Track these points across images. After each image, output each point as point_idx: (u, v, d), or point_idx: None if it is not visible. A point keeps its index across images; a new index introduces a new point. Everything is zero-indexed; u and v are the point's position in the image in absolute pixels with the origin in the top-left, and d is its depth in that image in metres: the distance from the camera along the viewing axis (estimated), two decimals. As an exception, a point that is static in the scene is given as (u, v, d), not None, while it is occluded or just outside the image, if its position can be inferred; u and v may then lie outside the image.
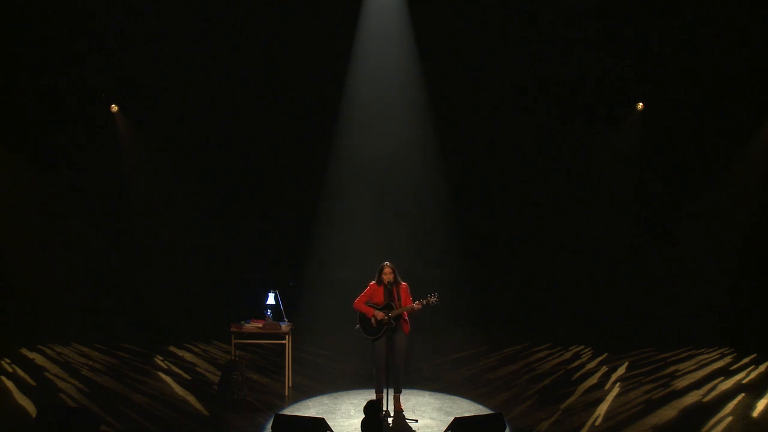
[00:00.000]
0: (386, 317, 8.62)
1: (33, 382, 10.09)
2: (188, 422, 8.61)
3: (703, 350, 11.83)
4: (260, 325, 9.63)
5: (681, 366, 10.98)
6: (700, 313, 12.58)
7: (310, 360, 11.36)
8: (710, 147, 12.72)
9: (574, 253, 13.28)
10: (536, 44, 12.60)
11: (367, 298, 8.79)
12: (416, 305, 8.59)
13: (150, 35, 12.27)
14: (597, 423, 8.60)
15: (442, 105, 13.03)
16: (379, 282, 8.77)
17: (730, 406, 9.18)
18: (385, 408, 8.45)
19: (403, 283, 8.81)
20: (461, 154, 13.33)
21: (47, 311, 12.58)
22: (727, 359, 11.35)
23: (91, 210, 13.03)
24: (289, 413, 8.53)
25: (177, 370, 10.80)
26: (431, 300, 8.55)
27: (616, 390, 9.83)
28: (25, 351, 11.64)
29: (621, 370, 10.74)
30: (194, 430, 8.38)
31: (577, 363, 11.23)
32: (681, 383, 10.12)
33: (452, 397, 9.50)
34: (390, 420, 8.46)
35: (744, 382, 10.21)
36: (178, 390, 9.84)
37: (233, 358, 9.64)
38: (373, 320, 8.69)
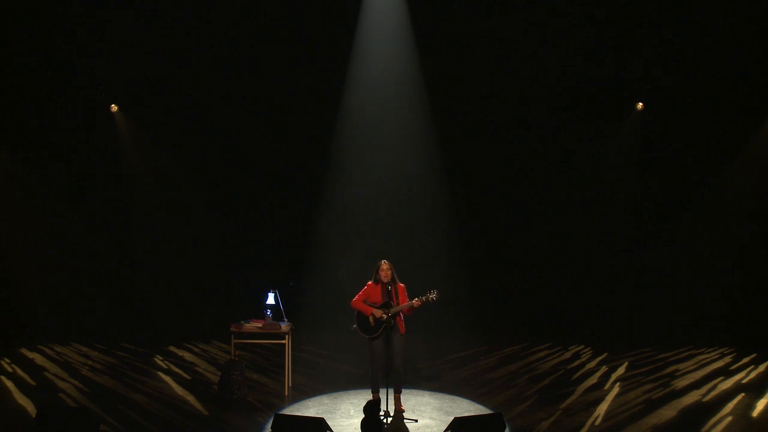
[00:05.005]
0: (385, 315, 8.61)
1: (33, 382, 10.08)
2: (188, 422, 8.61)
3: (703, 350, 11.82)
4: (260, 325, 9.63)
5: (681, 366, 10.98)
6: (700, 313, 12.58)
7: (310, 360, 11.36)
8: (710, 147, 12.71)
9: (574, 253, 13.27)
10: (536, 44, 12.59)
11: (365, 296, 8.78)
12: (415, 302, 8.57)
13: (150, 35, 12.26)
14: (597, 423, 8.59)
15: (442, 104, 13.01)
16: (377, 280, 8.76)
17: (730, 406, 9.18)
18: (384, 408, 8.46)
19: (401, 284, 8.81)
20: (461, 154, 13.32)
21: (47, 311, 12.58)
22: (727, 359, 11.35)
23: (90, 209, 13.03)
24: (289, 413, 8.53)
25: (177, 370, 10.80)
26: (430, 297, 8.53)
27: (615, 390, 9.83)
28: (25, 351, 11.64)
29: (621, 370, 10.74)
30: (194, 430, 8.38)
31: (577, 363, 11.23)
32: (681, 383, 10.12)
33: (452, 397, 9.50)
34: (389, 420, 8.46)
35: (744, 382, 10.20)
36: (178, 390, 9.84)
37: (233, 357, 9.64)
38: (371, 319, 8.69)
